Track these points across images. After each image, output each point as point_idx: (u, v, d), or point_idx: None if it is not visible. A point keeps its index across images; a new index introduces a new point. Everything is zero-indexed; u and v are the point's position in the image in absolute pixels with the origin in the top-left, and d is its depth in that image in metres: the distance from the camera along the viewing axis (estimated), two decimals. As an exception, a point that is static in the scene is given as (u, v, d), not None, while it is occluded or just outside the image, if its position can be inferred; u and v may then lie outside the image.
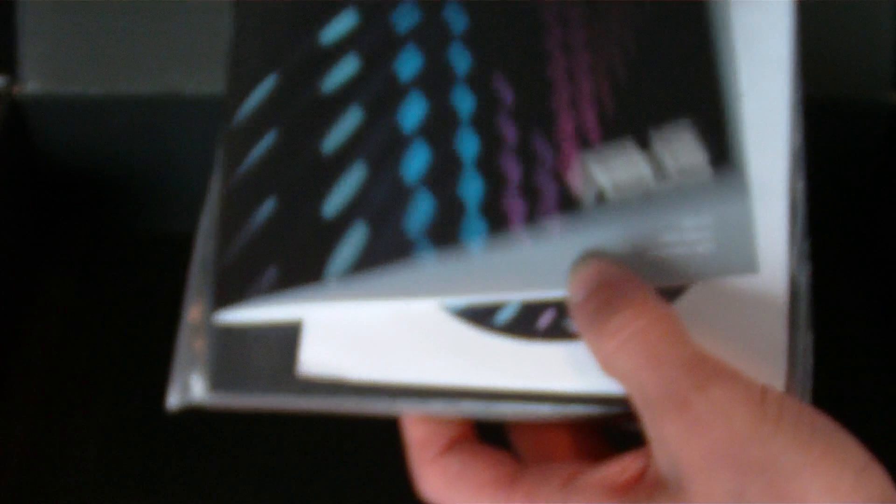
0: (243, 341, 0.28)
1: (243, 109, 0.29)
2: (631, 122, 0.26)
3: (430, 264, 0.26)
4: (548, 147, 0.27)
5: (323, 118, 0.28)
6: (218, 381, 0.28)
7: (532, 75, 0.27)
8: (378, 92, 0.28)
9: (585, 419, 0.28)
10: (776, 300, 0.29)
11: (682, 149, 0.25)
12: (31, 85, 0.46)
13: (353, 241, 0.27)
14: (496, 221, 0.26)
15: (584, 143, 0.26)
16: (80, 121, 0.47)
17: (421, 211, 0.27)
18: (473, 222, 0.26)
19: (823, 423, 0.25)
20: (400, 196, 0.27)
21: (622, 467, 0.26)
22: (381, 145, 0.28)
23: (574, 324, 0.27)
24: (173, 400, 0.28)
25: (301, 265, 0.27)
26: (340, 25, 0.29)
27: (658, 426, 0.25)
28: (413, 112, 0.28)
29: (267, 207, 0.28)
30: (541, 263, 0.27)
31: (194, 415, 0.28)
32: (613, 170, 0.26)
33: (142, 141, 0.48)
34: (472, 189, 0.27)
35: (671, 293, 0.28)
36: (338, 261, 0.27)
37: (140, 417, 0.44)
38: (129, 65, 0.46)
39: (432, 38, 0.28)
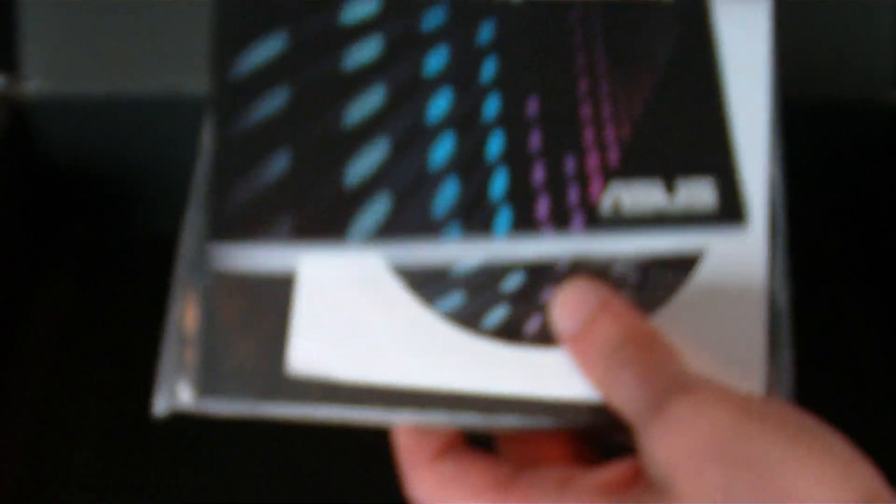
0: (231, 347, 0.28)
1: (243, 62, 0.29)
2: (656, 165, 0.28)
3: (455, 243, 0.27)
4: (573, 158, 0.28)
5: (344, 91, 0.28)
6: (205, 387, 0.27)
7: (560, 91, 0.29)
8: (403, 79, 0.28)
9: (575, 429, 0.28)
10: (755, 319, 0.29)
11: (700, 198, 0.28)
12: (32, 85, 0.46)
13: (377, 210, 0.27)
14: (523, 213, 0.27)
15: (606, 167, 0.28)
16: (81, 121, 0.47)
17: (447, 194, 0.27)
18: (501, 210, 0.27)
19: (809, 421, 0.25)
20: (426, 178, 0.28)
21: (615, 472, 0.27)
22: (407, 129, 0.28)
23: (565, 348, 0.28)
24: (160, 406, 0.28)
25: (321, 221, 0.27)
26: (363, 8, 0.29)
27: (644, 431, 0.26)
28: (440, 104, 0.28)
29: (281, 161, 0.28)
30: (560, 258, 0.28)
31: (194, 416, 0.28)
32: (636, 197, 0.28)
33: (142, 141, 0.48)
34: (498, 181, 0.28)
35: (651, 304, 0.29)
36: (360, 224, 0.27)
37: (140, 418, 0.44)
38: (129, 65, 0.46)
39: (461, 38, 0.29)
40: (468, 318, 0.28)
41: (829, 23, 0.45)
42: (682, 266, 0.29)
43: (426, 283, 0.28)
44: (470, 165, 0.28)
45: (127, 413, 0.45)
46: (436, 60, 0.29)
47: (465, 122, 0.28)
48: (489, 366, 0.28)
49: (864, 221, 0.51)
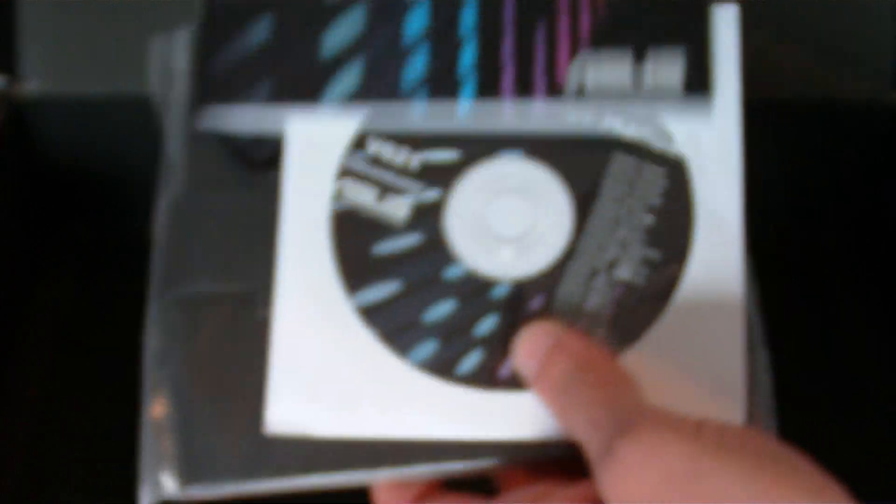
0: (207, 431, 0.28)
1: None
2: (629, 36, 0.29)
3: (420, 109, 0.29)
4: (543, 28, 0.29)
5: None
6: (188, 476, 0.28)
7: None
8: None
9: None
10: (734, 337, 0.29)
11: (668, 69, 0.29)
12: (32, 85, 0.46)
13: (350, 77, 0.29)
14: (488, 85, 0.29)
15: (577, 37, 0.29)
16: (81, 121, 0.47)
17: (418, 63, 0.29)
18: (467, 81, 0.29)
19: (772, 449, 0.24)
20: (398, 47, 0.29)
21: (590, 487, 0.26)
22: (383, 7, 0.30)
23: (531, 388, 0.28)
24: (145, 498, 0.28)
25: (297, 86, 0.29)
26: None
27: (601, 481, 0.25)
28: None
29: (261, 31, 0.30)
30: (520, 132, 0.30)
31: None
32: (601, 71, 0.29)
33: (142, 141, 0.48)
34: (468, 52, 0.29)
35: (627, 338, 0.29)
36: (334, 89, 0.29)
37: (140, 418, 0.44)
38: (128, 65, 0.46)
39: None
40: (442, 367, 0.29)
41: (829, 23, 0.45)
42: (658, 297, 0.29)
43: (398, 334, 0.29)
44: (442, 36, 0.29)
45: (127, 413, 0.45)
46: None
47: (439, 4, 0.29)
48: (466, 412, 0.28)
49: (864, 222, 0.51)
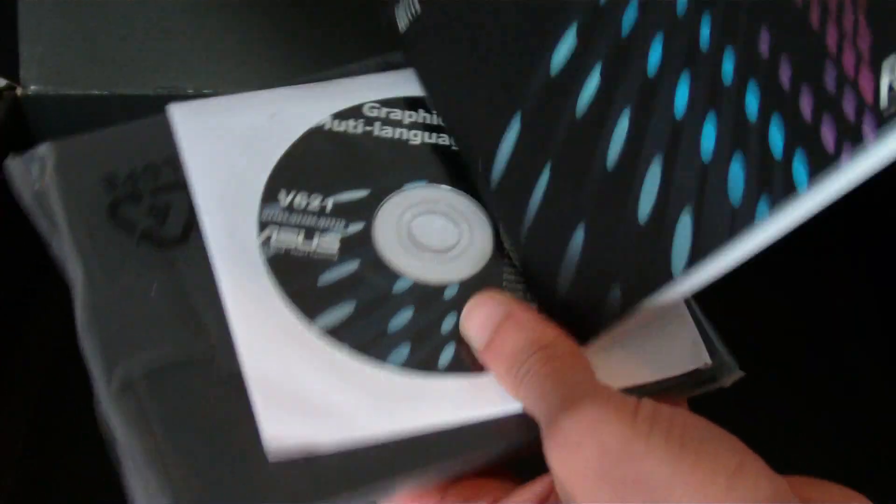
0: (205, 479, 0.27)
1: (495, 168, 0.31)
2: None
3: (768, 220, 0.25)
4: (830, 68, 0.25)
5: (592, 135, 0.29)
6: None
7: (779, 10, 0.26)
8: (636, 90, 0.29)
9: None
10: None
11: None
12: (32, 86, 0.46)
13: (683, 233, 0.27)
14: (815, 153, 0.25)
15: (863, 55, 0.24)
16: (81, 121, 0.47)
17: (736, 176, 0.26)
18: (795, 161, 0.25)
19: (696, 431, 0.25)
20: (706, 171, 0.27)
21: (534, 492, 0.27)
22: (665, 136, 0.28)
23: (485, 366, 0.29)
24: None
25: (642, 273, 0.28)
26: (565, 47, 0.30)
27: (547, 452, 0.26)
28: (681, 93, 0.28)
29: (578, 236, 0.29)
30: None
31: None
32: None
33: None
34: (774, 134, 0.26)
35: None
36: (677, 256, 0.27)
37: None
38: (129, 65, 0.46)
39: (670, 27, 0.28)
40: (423, 364, 0.29)
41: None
42: None
43: (370, 346, 0.29)
44: (740, 136, 0.26)
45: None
46: (654, 54, 0.28)
47: (711, 96, 0.27)
48: (460, 397, 0.29)
49: (863, 221, 0.51)
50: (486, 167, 0.32)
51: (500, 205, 0.31)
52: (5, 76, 0.46)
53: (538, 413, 0.27)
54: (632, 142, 0.28)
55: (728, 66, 0.27)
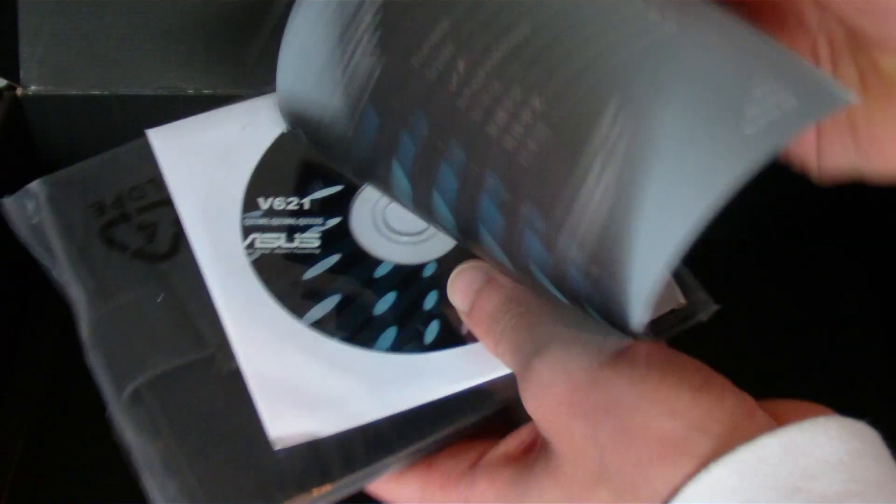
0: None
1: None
2: None
3: None
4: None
5: None
6: None
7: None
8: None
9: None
10: None
11: None
12: (33, 86, 0.46)
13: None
14: None
15: None
16: (81, 121, 0.47)
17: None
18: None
19: (661, 354, 0.26)
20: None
21: (520, 439, 0.29)
22: None
23: (470, 329, 0.31)
24: None
25: None
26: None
27: (523, 397, 0.27)
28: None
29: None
30: None
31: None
32: None
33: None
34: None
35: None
36: None
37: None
38: (129, 65, 0.46)
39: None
40: (411, 344, 0.31)
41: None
42: None
43: (358, 332, 0.31)
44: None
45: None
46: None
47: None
48: (451, 371, 0.30)
49: (864, 221, 0.51)
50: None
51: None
52: (5, 76, 0.46)
53: (513, 365, 0.28)
54: None
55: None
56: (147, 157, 0.34)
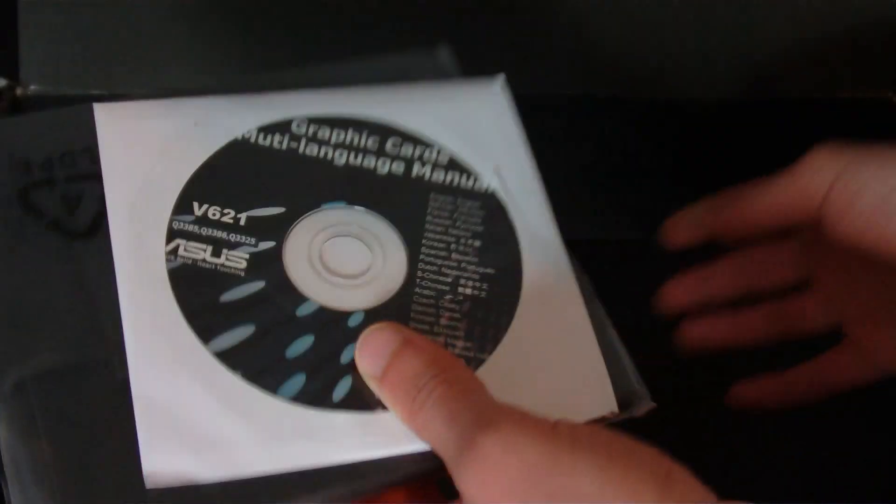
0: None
1: None
2: None
3: None
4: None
5: None
6: None
7: None
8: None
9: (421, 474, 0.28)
10: (578, 321, 0.31)
11: None
12: (33, 86, 0.46)
13: None
14: None
15: None
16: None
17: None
18: None
19: (621, 443, 0.24)
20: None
21: None
22: None
23: (380, 397, 0.28)
24: None
25: None
26: None
27: (461, 476, 0.25)
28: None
29: None
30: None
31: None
32: None
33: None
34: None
35: (487, 346, 0.30)
36: None
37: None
38: (129, 65, 0.46)
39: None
40: (315, 397, 0.28)
41: (831, 23, 0.45)
42: (503, 305, 0.31)
43: (263, 373, 0.28)
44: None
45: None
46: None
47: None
48: (349, 435, 0.28)
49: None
50: None
51: None
52: (6, 76, 0.46)
53: (446, 438, 0.26)
54: None
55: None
56: (87, 125, 0.31)
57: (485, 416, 0.25)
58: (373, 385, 0.28)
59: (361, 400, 0.28)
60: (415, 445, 0.27)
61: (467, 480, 0.25)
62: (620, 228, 0.45)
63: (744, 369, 0.38)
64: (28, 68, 0.46)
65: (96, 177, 0.31)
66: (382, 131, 0.34)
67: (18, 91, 0.46)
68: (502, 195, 0.33)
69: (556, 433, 0.24)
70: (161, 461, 0.27)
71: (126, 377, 0.27)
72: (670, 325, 0.37)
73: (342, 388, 0.28)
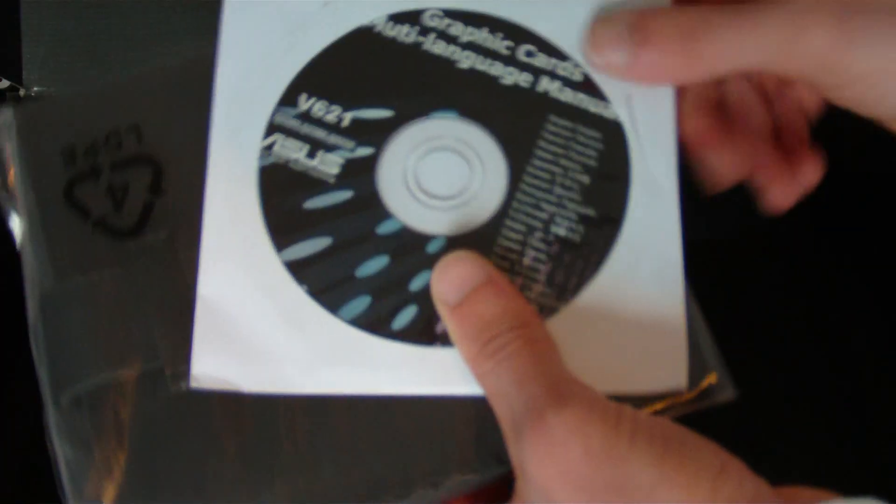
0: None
1: None
2: None
3: None
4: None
5: None
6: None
7: None
8: None
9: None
10: (671, 286, 0.29)
11: None
12: (35, 88, 0.46)
13: None
14: None
15: None
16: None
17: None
18: None
19: (678, 436, 0.25)
20: None
21: None
22: None
23: (447, 327, 0.27)
24: None
25: None
26: None
27: (521, 447, 0.25)
28: None
29: None
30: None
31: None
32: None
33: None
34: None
35: (567, 293, 0.29)
36: None
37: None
38: (131, 66, 0.46)
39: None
40: (376, 322, 0.28)
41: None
42: (594, 254, 0.29)
43: (329, 290, 0.28)
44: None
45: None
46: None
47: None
48: (402, 367, 0.27)
49: (863, 222, 0.51)
50: None
51: None
52: (8, 78, 0.46)
53: (512, 399, 0.25)
54: None
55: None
56: (134, 97, 0.31)
57: (557, 389, 0.25)
58: (443, 312, 0.27)
59: (422, 332, 0.28)
60: (468, 388, 0.27)
61: (525, 451, 0.25)
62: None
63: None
64: (30, 70, 0.46)
65: (144, 159, 0.30)
66: (519, 35, 0.31)
67: (21, 92, 0.46)
68: (628, 128, 0.30)
69: (619, 421, 0.24)
70: (209, 363, 0.27)
71: (180, 390, 0.27)
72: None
73: (404, 317, 0.28)
